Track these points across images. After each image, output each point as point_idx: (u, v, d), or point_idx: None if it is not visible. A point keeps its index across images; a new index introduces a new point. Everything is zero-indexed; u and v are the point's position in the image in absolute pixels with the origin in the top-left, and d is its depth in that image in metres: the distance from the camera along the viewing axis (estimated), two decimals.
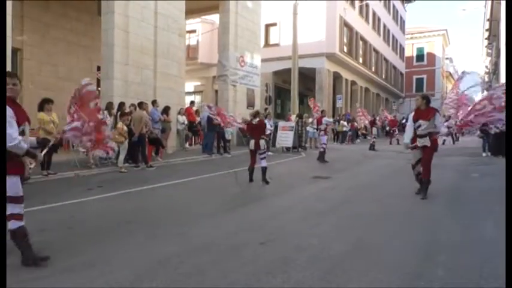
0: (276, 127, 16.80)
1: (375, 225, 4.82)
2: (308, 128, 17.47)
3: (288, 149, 16.11)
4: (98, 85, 15.68)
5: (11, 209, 3.45)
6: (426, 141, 6.28)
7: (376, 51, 35.68)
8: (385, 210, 5.66)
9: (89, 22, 16.39)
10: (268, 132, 16.02)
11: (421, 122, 6.34)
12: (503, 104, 5.88)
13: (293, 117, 17.95)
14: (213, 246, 3.96)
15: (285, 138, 16.25)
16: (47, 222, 4.90)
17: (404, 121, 20.54)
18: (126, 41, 12.44)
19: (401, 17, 45.48)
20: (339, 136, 22.50)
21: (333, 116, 26.24)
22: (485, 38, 37.51)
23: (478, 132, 14.31)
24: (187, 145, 15.57)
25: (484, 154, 13.27)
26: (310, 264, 3.45)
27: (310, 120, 17.05)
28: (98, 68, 15.50)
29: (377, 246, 4.01)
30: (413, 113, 6.70)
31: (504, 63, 25.09)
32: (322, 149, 11.96)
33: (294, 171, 10.25)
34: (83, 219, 5.14)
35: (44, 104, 8.43)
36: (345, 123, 22.51)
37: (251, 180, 8.03)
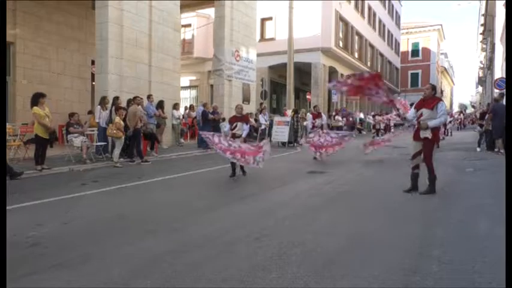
0: (271, 122, 16.81)
1: (369, 221, 4.83)
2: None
3: (283, 143, 16.13)
4: (93, 79, 15.63)
5: None
6: (427, 133, 6.21)
7: (372, 46, 35.69)
8: (380, 205, 5.67)
9: (83, 16, 16.25)
10: (263, 127, 16.08)
11: (423, 110, 6.31)
12: None
13: (289, 112, 17.94)
14: (208, 242, 3.95)
15: (281, 133, 16.26)
16: (41, 218, 4.88)
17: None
18: (120, 35, 12.35)
19: (396, 12, 45.48)
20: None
21: (329, 111, 26.29)
22: (480, 33, 37.64)
23: (478, 127, 14.40)
24: (182, 140, 15.54)
25: (478, 149, 13.35)
26: (305, 260, 3.46)
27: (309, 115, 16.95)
28: (93, 62, 15.40)
29: (372, 241, 4.03)
30: (416, 102, 6.70)
31: (499, 58, 25.18)
32: None
33: (290, 166, 10.26)
34: (78, 215, 5.12)
35: (38, 99, 8.38)
36: (340, 118, 22.53)
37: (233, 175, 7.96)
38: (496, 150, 12.21)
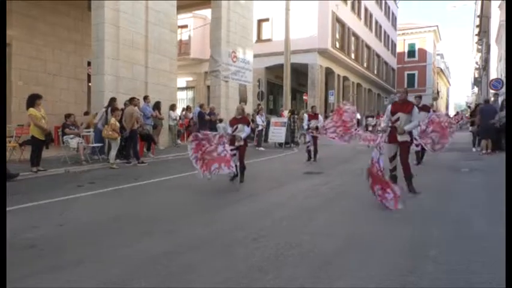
0: (268, 122, 16.82)
1: (366, 221, 4.84)
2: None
3: (280, 144, 16.14)
4: (89, 80, 15.59)
5: None
6: (406, 137, 6.37)
7: (368, 47, 35.78)
8: (377, 206, 5.67)
9: (79, 17, 16.21)
10: (260, 128, 16.08)
11: (400, 114, 6.40)
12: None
13: (285, 112, 17.95)
14: (205, 244, 3.95)
15: (278, 133, 16.27)
16: (37, 219, 4.87)
17: None
18: (116, 36, 12.32)
19: (393, 13, 45.62)
20: None
21: (325, 112, 26.33)
22: (476, 34, 37.84)
23: (470, 127, 14.46)
24: (179, 141, 15.52)
25: (473, 149, 13.39)
26: (302, 261, 3.46)
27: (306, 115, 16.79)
28: (89, 63, 15.35)
29: (368, 241, 4.03)
30: (390, 106, 6.76)
31: (495, 59, 25.31)
32: (309, 148, 11.32)
33: (286, 167, 10.26)
34: (74, 217, 5.10)
35: (35, 100, 8.35)
36: None
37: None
38: (483, 152, 12.09)
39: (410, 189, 6.35)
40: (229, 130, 7.93)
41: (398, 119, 6.41)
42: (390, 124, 6.48)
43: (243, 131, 7.71)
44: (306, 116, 12.27)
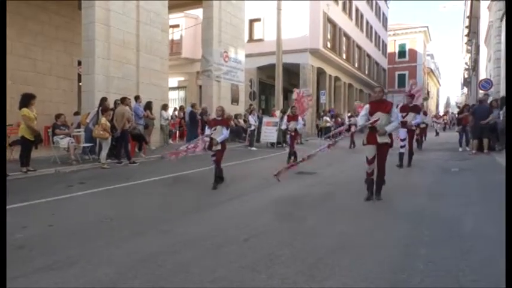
0: (260, 122, 16.84)
1: (358, 220, 4.87)
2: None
3: (272, 144, 16.17)
4: (79, 80, 15.46)
5: None
6: (387, 138, 5.99)
7: (359, 48, 35.96)
8: (369, 205, 5.72)
9: (69, 16, 16.05)
10: (252, 127, 16.09)
11: (379, 114, 5.98)
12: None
13: (277, 112, 17.98)
14: (197, 243, 3.94)
15: (270, 133, 16.31)
16: (27, 220, 4.82)
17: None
18: (107, 36, 12.23)
19: (383, 14, 45.93)
20: (322, 132, 22.63)
21: (317, 112, 26.41)
22: (465, 35, 38.27)
23: (457, 127, 14.60)
24: (170, 141, 15.47)
25: (460, 149, 13.48)
26: (294, 260, 3.47)
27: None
28: (79, 63, 15.22)
29: (360, 240, 4.06)
30: (368, 105, 6.32)
31: (484, 60, 25.59)
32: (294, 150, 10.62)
33: (278, 166, 10.24)
34: (64, 217, 5.06)
35: (30, 100, 8.25)
36: (328, 119, 22.64)
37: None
38: (473, 151, 12.20)
39: (377, 196, 6.03)
40: (208, 131, 7.54)
41: (378, 120, 5.97)
42: (369, 125, 6.04)
43: (221, 134, 7.27)
44: (285, 116, 11.46)
